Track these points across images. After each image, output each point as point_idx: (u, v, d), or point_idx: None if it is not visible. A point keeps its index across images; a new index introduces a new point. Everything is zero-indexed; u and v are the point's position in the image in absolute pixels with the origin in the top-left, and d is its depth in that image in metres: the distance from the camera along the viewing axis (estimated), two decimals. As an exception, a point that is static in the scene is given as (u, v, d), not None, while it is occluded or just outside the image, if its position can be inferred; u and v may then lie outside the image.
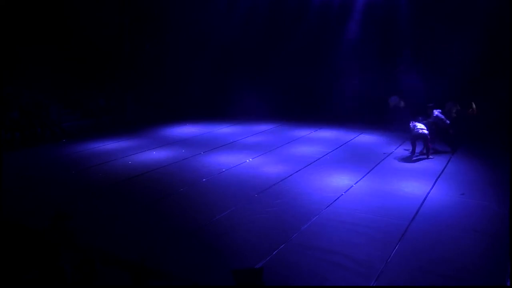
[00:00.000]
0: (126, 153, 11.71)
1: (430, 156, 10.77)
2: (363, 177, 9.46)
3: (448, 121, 11.20)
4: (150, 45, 17.62)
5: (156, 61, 17.59)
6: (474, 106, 11.92)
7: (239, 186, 8.95)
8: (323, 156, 11.25)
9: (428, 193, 8.43)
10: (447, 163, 10.42)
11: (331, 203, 7.93)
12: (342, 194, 8.40)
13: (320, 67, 17.13)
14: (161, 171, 10.17)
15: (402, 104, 14.33)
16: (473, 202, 7.97)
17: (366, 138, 13.34)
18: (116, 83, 17.25)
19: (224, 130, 14.58)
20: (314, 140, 13.10)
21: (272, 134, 14.21)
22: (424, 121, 11.00)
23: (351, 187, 8.84)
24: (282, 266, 5.82)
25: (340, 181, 9.16)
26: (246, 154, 11.53)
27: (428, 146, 10.78)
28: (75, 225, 5.71)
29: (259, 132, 14.24)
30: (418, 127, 10.75)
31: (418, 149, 11.07)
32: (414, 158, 10.87)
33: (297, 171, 9.91)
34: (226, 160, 10.93)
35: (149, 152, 11.79)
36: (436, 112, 11.28)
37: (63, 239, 5.31)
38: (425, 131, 10.66)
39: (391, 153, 11.47)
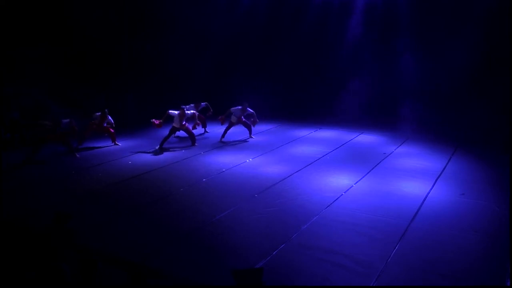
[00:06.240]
0: (126, 153, 11.71)
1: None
2: (363, 177, 9.46)
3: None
4: (151, 45, 17.60)
5: (156, 61, 17.57)
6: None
7: (239, 186, 8.95)
8: (323, 156, 11.25)
9: (428, 193, 8.43)
10: (447, 163, 10.42)
11: (331, 203, 7.93)
12: (342, 194, 8.40)
13: (320, 67, 17.14)
14: (161, 171, 10.16)
15: None
16: (473, 202, 7.97)
17: (366, 138, 13.34)
18: (116, 83, 17.22)
19: (223, 130, 14.54)
20: (314, 140, 13.10)
21: (272, 134, 14.20)
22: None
23: (351, 187, 8.83)
24: (282, 266, 5.82)
25: (340, 181, 9.16)
26: (246, 154, 11.53)
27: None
28: (75, 225, 5.71)
29: (259, 132, 14.21)
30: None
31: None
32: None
33: (297, 171, 9.91)
34: (226, 160, 10.92)
35: (149, 152, 11.78)
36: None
37: (63, 239, 5.30)
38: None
39: (391, 153, 11.47)
